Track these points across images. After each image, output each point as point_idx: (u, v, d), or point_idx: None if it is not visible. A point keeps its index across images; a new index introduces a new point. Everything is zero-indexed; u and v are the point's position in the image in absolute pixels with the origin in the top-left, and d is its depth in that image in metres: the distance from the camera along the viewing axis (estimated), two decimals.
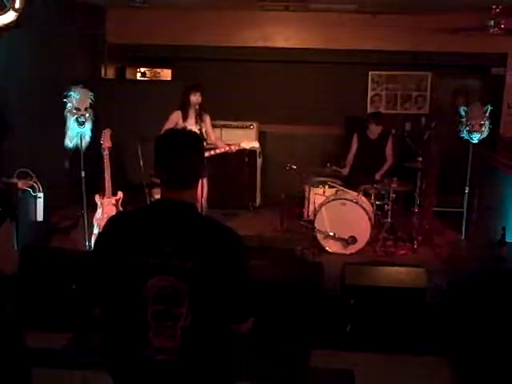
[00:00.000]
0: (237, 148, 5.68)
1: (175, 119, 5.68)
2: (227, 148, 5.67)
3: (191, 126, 5.53)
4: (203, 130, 5.67)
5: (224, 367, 1.95)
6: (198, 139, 2.02)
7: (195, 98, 5.65)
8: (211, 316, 1.84)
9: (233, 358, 1.98)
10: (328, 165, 6.23)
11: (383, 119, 6.59)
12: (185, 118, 5.69)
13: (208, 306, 1.83)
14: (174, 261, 1.81)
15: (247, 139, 6.91)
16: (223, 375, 1.96)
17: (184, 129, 2.08)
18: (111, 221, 2.01)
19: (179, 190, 1.92)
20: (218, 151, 5.66)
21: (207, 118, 5.79)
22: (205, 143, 5.68)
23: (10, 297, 2.68)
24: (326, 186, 6.18)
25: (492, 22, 6.25)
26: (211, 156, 5.47)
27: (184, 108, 5.70)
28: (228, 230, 1.97)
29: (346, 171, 6.51)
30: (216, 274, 1.82)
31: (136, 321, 1.84)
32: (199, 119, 5.64)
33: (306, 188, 6.27)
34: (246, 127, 7.36)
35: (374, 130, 6.48)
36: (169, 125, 5.57)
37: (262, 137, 7.65)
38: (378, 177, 6.26)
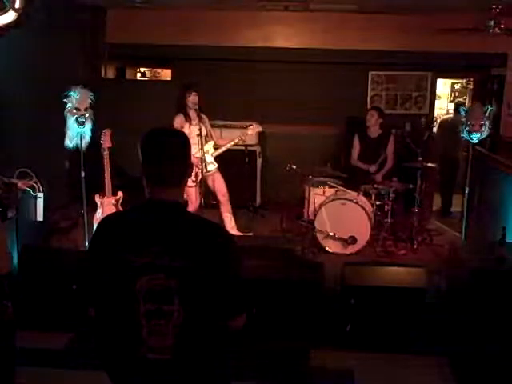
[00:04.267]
0: (246, 136, 5.94)
1: (180, 122, 5.60)
2: (236, 139, 5.87)
3: (195, 127, 5.54)
4: (207, 130, 5.73)
5: (218, 365, 1.96)
6: (183, 138, 2.01)
7: (192, 99, 5.59)
8: (203, 313, 1.85)
9: (227, 355, 1.99)
10: (328, 165, 6.22)
11: (384, 114, 6.57)
12: (188, 120, 5.65)
13: (199, 303, 1.84)
14: (163, 259, 1.82)
15: (247, 139, 6.94)
16: (218, 373, 1.97)
17: (170, 127, 2.08)
18: (103, 222, 2.02)
19: (165, 189, 1.92)
20: (228, 145, 5.86)
21: (206, 119, 5.81)
22: (212, 142, 5.83)
23: (9, 295, 2.69)
24: (326, 186, 6.17)
25: (492, 22, 6.24)
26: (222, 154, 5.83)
27: (184, 110, 5.65)
28: (216, 225, 2.00)
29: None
30: (205, 271, 1.83)
31: (129, 320, 1.85)
32: (200, 120, 5.63)
33: (306, 188, 6.26)
34: (246, 127, 7.35)
35: (372, 120, 6.44)
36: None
37: (262, 137, 7.65)
38: (378, 178, 6.25)
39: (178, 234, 1.88)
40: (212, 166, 5.83)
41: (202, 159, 5.41)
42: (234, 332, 1.96)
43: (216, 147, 5.86)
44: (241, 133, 5.93)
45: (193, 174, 5.21)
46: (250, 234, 6.15)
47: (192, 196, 5.51)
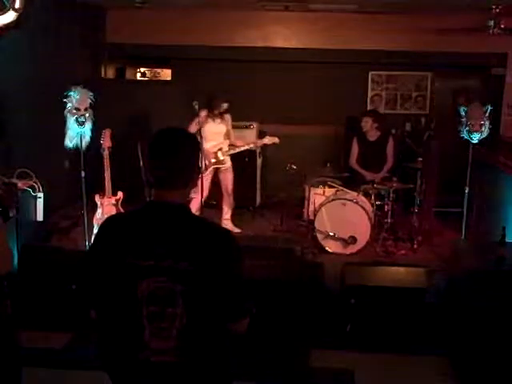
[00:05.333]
0: (262, 143, 6.24)
1: (203, 116, 5.85)
2: (251, 145, 6.25)
3: (216, 126, 5.94)
4: (227, 129, 6.05)
5: (220, 367, 1.95)
6: (191, 139, 1.99)
7: (218, 105, 5.94)
8: (206, 316, 1.84)
9: (229, 358, 1.98)
10: (328, 165, 6.22)
11: (380, 117, 6.56)
12: (211, 117, 5.92)
13: (203, 305, 1.83)
14: (166, 262, 1.80)
15: (250, 139, 6.97)
16: (220, 375, 1.96)
17: (179, 128, 2.05)
18: (105, 223, 2.00)
19: (169, 191, 1.90)
20: (242, 148, 6.14)
21: (228, 118, 6.06)
22: (228, 141, 6.11)
23: (9, 295, 2.68)
24: (326, 186, 6.18)
25: (492, 22, 6.24)
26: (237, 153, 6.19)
27: (209, 108, 5.92)
28: (219, 228, 2.00)
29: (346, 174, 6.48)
30: (209, 273, 1.82)
31: (131, 322, 1.84)
32: (222, 119, 5.98)
33: (306, 188, 6.26)
34: (246, 127, 7.36)
35: (367, 126, 6.42)
36: (195, 123, 5.71)
37: (262, 137, 7.64)
38: (378, 179, 6.24)
39: (181, 236, 1.86)
40: (226, 163, 6.10)
41: (216, 154, 5.92)
42: (237, 335, 1.95)
43: (231, 147, 6.09)
44: (257, 140, 6.30)
45: (204, 164, 5.75)
46: (238, 230, 6.17)
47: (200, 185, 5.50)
